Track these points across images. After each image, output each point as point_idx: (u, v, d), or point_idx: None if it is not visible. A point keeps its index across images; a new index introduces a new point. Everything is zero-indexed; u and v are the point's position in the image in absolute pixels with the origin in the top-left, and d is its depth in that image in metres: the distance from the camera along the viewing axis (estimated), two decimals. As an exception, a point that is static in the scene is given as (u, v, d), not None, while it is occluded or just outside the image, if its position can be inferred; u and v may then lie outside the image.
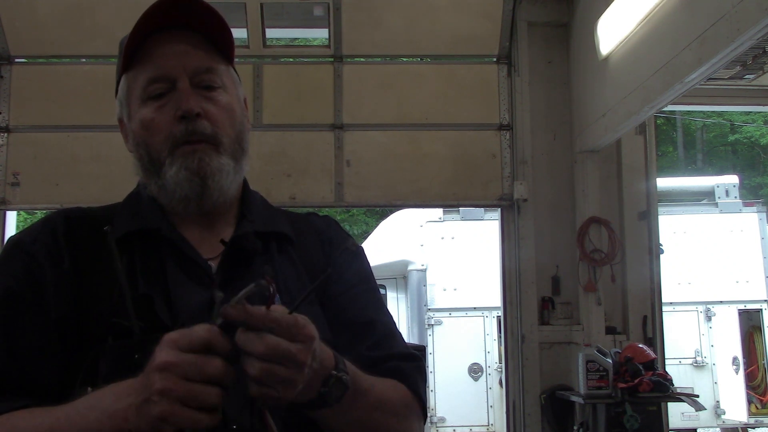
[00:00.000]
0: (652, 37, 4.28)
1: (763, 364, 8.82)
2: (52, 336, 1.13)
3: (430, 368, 8.12)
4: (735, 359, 8.61)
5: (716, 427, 8.96)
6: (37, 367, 1.11)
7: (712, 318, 8.75)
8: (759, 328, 8.84)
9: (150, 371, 0.92)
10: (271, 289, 0.92)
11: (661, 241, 5.70)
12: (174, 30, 1.23)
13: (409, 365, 1.27)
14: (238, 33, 5.56)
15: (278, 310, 0.93)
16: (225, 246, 1.22)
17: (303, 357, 0.93)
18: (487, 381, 8.30)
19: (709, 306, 8.75)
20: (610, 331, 5.43)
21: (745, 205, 9.23)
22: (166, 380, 0.90)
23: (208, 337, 0.92)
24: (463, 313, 8.43)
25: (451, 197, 5.83)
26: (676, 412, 7.56)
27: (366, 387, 1.12)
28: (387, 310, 1.37)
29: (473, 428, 8.21)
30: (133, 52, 1.23)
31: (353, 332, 1.26)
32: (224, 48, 1.27)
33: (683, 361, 8.53)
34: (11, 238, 1.26)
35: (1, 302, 1.14)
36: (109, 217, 1.23)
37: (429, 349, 8.15)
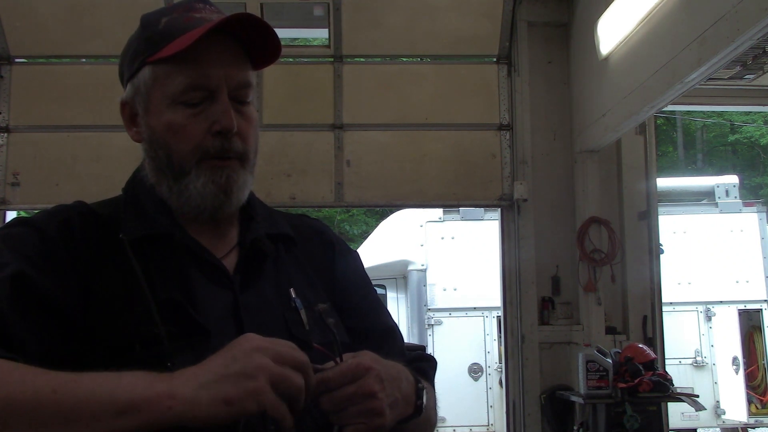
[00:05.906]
0: (652, 37, 4.28)
1: (763, 364, 8.82)
2: (53, 318, 1.06)
3: (430, 368, 8.12)
4: (735, 359, 8.61)
5: (716, 427, 8.96)
6: (29, 340, 1.02)
7: (712, 318, 8.74)
8: (759, 328, 8.83)
9: (244, 350, 0.94)
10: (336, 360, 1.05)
11: (661, 241, 5.69)
12: (219, 33, 1.16)
13: (429, 365, 1.43)
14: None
15: (327, 366, 1.03)
16: (243, 248, 1.24)
17: (366, 389, 1.03)
18: (487, 381, 8.30)
19: (709, 306, 8.74)
20: (610, 331, 5.43)
21: (745, 205, 9.22)
22: (263, 359, 0.94)
23: (305, 363, 0.98)
24: (463, 313, 8.42)
25: (451, 197, 5.83)
26: (676, 412, 7.55)
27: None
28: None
29: (473, 428, 8.20)
30: (168, 43, 1.15)
31: (378, 339, 1.31)
32: (261, 64, 1.24)
33: (683, 361, 8.53)
34: (15, 219, 1.20)
35: (18, 272, 1.06)
36: (114, 217, 1.20)
37: (429, 349, 8.15)
